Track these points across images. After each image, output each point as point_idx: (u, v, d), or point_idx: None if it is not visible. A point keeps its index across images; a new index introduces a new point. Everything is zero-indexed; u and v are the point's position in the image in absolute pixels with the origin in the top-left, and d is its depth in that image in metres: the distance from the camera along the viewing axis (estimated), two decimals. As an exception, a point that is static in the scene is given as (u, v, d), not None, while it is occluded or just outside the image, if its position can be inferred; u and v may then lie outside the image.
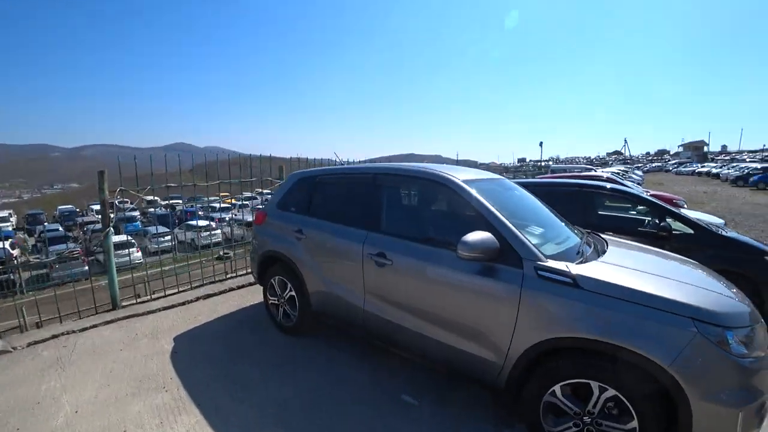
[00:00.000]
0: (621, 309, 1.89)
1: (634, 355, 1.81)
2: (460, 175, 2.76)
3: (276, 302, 3.68)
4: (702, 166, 44.11)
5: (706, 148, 72.74)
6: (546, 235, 2.55)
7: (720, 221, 6.34)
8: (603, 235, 3.14)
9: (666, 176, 41.33)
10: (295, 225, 3.46)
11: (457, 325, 2.40)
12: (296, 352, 3.29)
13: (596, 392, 1.95)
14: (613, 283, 1.98)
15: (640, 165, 60.22)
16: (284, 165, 6.00)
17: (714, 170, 36.59)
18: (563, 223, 2.92)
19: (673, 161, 62.10)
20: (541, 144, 47.17)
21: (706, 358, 1.75)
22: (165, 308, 4.18)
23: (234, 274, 5.28)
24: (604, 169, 22.05)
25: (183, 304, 4.32)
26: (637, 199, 4.96)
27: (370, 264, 2.82)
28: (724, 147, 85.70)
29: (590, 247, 2.63)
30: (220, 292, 4.69)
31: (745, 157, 58.48)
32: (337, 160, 4.79)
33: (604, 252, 2.54)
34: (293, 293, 3.48)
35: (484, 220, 2.39)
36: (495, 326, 2.23)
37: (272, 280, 3.67)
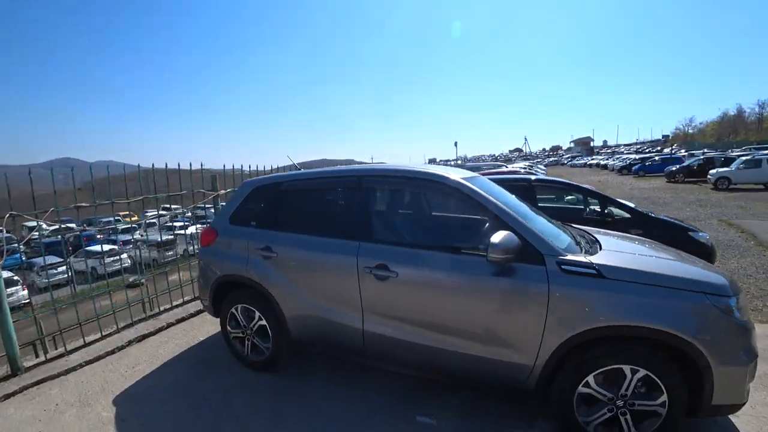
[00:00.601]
0: (643, 293, 1.98)
1: (662, 333, 1.93)
2: (455, 174, 2.61)
3: (241, 335, 3.14)
4: (591, 159, 50.50)
5: (592, 143, 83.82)
6: (543, 230, 2.48)
7: (632, 204, 7.14)
8: (575, 226, 3.23)
9: (563, 169, 46.43)
10: (259, 242, 2.97)
11: (482, 333, 2.28)
12: (280, 392, 2.80)
13: (629, 375, 2.02)
14: (632, 269, 2.07)
15: (539, 160, 66.92)
16: (218, 176, 5.32)
17: (602, 162, 42.09)
18: (544, 218, 2.87)
19: (567, 155, 70.26)
20: (456, 144, 50.12)
21: (719, 326, 1.95)
22: (89, 362, 3.32)
23: (168, 305, 4.46)
24: (512, 165, 23.97)
25: (112, 352, 3.48)
26: (584, 192, 5.35)
27: (368, 278, 2.51)
28: (604, 142, 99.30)
29: (583, 238, 2.67)
30: (157, 331, 3.91)
31: (623, 149, 68.48)
32: (295, 164, 4.27)
33: (598, 242, 2.59)
34: (263, 322, 2.99)
35: (499, 220, 2.29)
36: (524, 327, 2.17)
37: (233, 310, 3.11)
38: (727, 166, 18.34)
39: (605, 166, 38.73)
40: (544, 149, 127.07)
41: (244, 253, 3.03)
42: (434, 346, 2.40)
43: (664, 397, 2.00)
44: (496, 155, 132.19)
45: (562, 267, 2.10)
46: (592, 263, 2.10)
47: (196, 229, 6.22)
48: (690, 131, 67.94)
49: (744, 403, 2.02)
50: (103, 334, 3.75)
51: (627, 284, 2.01)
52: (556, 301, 2.07)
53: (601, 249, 2.41)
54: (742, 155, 19.66)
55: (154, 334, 3.87)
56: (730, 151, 30.23)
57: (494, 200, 2.37)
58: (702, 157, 23.25)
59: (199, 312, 4.34)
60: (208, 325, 4.03)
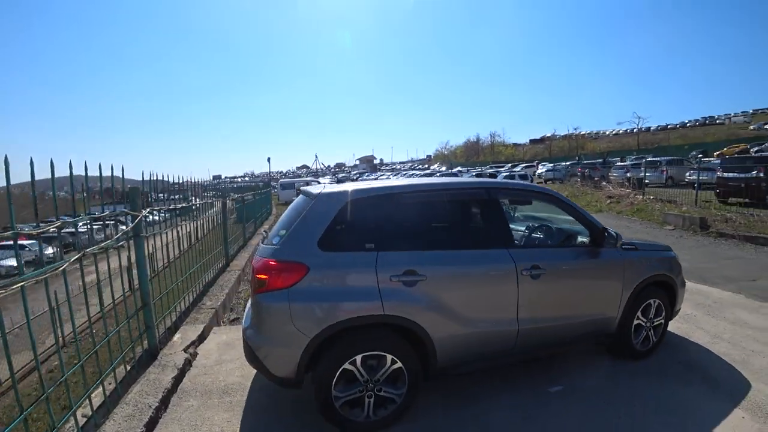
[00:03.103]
0: (653, 256, 3.47)
1: (666, 276, 3.42)
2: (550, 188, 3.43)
3: (358, 394, 2.46)
4: (382, 174, 58.09)
5: (375, 161, 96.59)
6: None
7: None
8: None
9: (358, 184, 51.60)
10: (395, 266, 2.47)
11: (593, 301, 3.11)
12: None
13: (654, 304, 3.39)
14: (645, 242, 3.66)
15: (328, 175, 72.42)
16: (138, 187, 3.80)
17: (392, 176, 49.15)
18: None
19: (355, 171, 78.38)
20: (269, 159, 49.49)
21: (677, 268, 3.59)
22: None
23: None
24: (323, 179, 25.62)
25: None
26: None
27: (525, 280, 2.73)
28: (381, 160, 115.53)
29: None
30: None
31: (399, 167, 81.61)
32: (320, 166, 3.54)
33: None
34: (397, 365, 2.48)
35: (586, 219, 3.15)
36: (614, 289, 3.15)
37: (347, 366, 2.42)
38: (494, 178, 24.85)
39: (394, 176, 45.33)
40: (329, 166, 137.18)
41: (371, 285, 2.43)
42: (563, 324, 2.98)
43: (662, 319, 3.46)
44: (284, 171, 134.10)
45: (623, 246, 3.18)
46: (631, 241, 3.35)
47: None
48: (445, 152, 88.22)
49: (679, 309, 3.72)
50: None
51: (646, 251, 3.41)
52: (626, 268, 3.17)
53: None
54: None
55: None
56: (477, 168, 40.91)
57: (577, 205, 3.21)
58: (474, 173, 30.57)
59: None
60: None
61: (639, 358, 3.37)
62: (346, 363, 2.40)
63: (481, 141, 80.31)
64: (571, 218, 3.20)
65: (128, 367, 3.15)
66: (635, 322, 3.28)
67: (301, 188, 3.16)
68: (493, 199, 2.91)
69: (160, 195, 4.82)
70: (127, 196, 3.43)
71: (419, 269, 2.50)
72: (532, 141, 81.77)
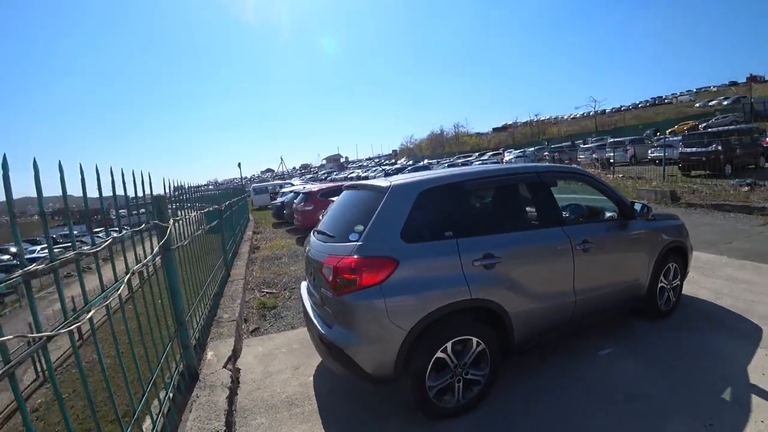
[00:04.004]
0: (669, 224, 3.87)
1: (680, 242, 3.86)
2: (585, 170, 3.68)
3: (450, 380, 2.60)
4: (352, 173, 57.87)
5: (342, 160, 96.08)
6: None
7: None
8: None
9: (329, 183, 51.28)
10: (474, 252, 2.61)
11: (627, 268, 3.45)
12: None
13: (672, 267, 3.82)
14: (660, 213, 3.94)
15: (295, 177, 71.53)
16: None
17: (362, 174, 49.09)
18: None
19: (322, 171, 77.71)
20: (239, 165, 48.87)
21: (686, 233, 4.03)
22: None
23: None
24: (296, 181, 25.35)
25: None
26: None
27: (578, 253, 3.01)
28: (346, 158, 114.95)
29: None
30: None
31: (365, 163, 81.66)
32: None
33: None
34: (481, 347, 2.63)
35: (615, 196, 3.47)
36: (643, 256, 3.54)
37: (439, 354, 2.53)
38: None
39: (366, 178, 45.42)
40: (294, 168, 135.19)
41: (456, 272, 2.55)
42: (608, 291, 3.30)
43: (678, 278, 3.91)
44: (249, 177, 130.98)
45: (650, 216, 3.60)
46: (652, 211, 3.66)
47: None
48: (411, 146, 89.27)
49: (689, 271, 4.19)
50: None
51: (664, 221, 3.82)
52: (652, 237, 3.60)
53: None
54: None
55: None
56: (444, 159, 41.61)
57: (608, 184, 3.55)
58: (446, 164, 31.05)
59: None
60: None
61: (664, 317, 3.81)
62: (438, 351, 2.50)
63: (446, 132, 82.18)
64: (596, 196, 3.51)
65: (171, 394, 2.88)
66: (659, 285, 3.69)
67: (355, 183, 3.33)
68: (543, 181, 3.17)
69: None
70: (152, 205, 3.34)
71: (495, 252, 2.67)
72: (495, 129, 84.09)
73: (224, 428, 2.65)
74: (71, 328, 1.69)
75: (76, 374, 4.40)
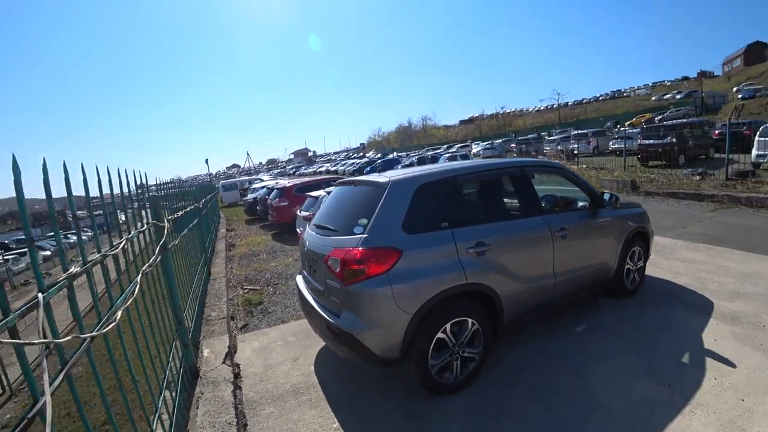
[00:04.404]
0: (633, 211, 4.26)
1: (643, 227, 4.26)
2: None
3: (449, 358, 2.87)
4: (321, 167, 57.47)
5: (310, 154, 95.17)
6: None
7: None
8: None
9: (298, 177, 50.75)
10: (468, 240, 2.90)
11: (599, 252, 3.80)
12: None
13: (637, 251, 4.22)
14: (626, 202, 4.32)
15: (262, 172, 70.30)
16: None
17: (331, 168, 48.85)
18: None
19: (291, 166, 76.70)
20: (207, 161, 47.92)
21: (647, 219, 4.42)
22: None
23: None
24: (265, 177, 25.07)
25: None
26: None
27: (557, 240, 3.33)
28: (314, 152, 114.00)
29: None
30: None
31: (333, 156, 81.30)
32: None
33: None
34: (476, 327, 2.93)
35: (588, 188, 3.84)
36: (612, 241, 3.91)
37: (440, 335, 2.79)
38: (435, 162, 25.88)
39: (336, 172, 45.24)
40: (261, 163, 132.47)
41: (453, 259, 2.82)
42: (583, 273, 3.64)
43: (642, 260, 4.30)
44: (214, 173, 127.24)
45: (617, 206, 3.96)
46: (620, 201, 4.02)
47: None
48: (379, 139, 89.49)
49: (650, 254, 4.60)
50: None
51: (629, 209, 4.20)
52: (620, 223, 3.97)
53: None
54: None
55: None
56: (413, 151, 42.14)
57: (579, 176, 3.91)
58: (415, 157, 31.43)
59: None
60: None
61: (630, 296, 4.24)
62: (439, 332, 2.76)
63: (413, 125, 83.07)
64: (567, 187, 3.88)
65: (174, 393, 2.88)
66: (626, 266, 4.10)
67: (353, 179, 3.56)
68: (525, 174, 3.48)
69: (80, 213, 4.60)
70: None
71: (486, 239, 2.97)
72: (462, 122, 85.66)
73: (235, 420, 2.77)
74: (107, 329, 1.80)
75: (85, 377, 4.37)
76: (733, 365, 2.85)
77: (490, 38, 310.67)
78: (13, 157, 1.38)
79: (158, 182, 4.51)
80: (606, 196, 3.90)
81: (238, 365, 3.76)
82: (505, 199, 3.57)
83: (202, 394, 3.08)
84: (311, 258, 3.26)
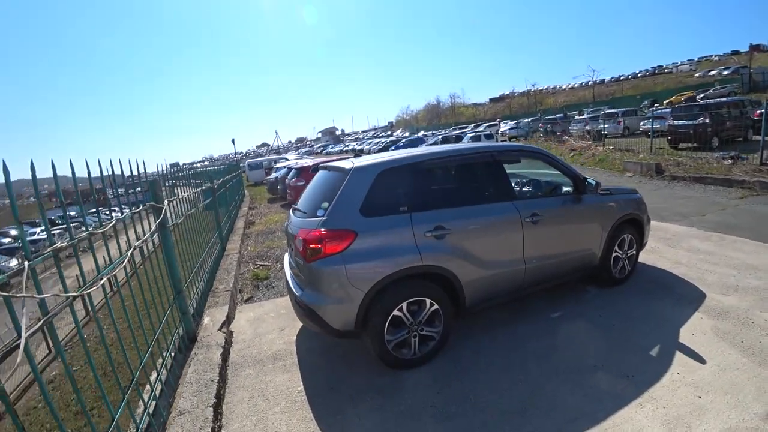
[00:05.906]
0: (623, 198, 4.09)
1: (635, 214, 4.11)
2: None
3: (405, 335, 3.01)
4: (347, 146, 57.61)
5: (337, 132, 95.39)
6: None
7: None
8: None
9: (324, 156, 51.23)
10: (426, 224, 2.97)
11: (579, 239, 3.74)
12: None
13: (627, 239, 4.10)
14: (616, 187, 4.25)
15: (291, 151, 71.22)
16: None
17: (357, 147, 48.86)
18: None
19: (318, 145, 77.23)
20: (233, 141, 48.86)
21: (643, 207, 4.26)
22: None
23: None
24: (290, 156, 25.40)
25: None
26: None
27: (528, 225, 3.31)
28: (342, 130, 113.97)
29: None
30: None
31: (361, 135, 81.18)
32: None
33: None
34: (435, 307, 3.03)
35: (570, 172, 3.73)
36: (596, 228, 3.82)
37: (395, 312, 2.92)
38: (459, 141, 25.46)
39: (361, 151, 45.25)
40: (290, 141, 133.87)
41: (409, 242, 2.91)
42: (559, 260, 3.61)
43: (634, 248, 4.19)
44: (244, 152, 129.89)
45: (600, 191, 3.85)
46: (606, 187, 3.94)
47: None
48: (407, 117, 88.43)
49: (647, 242, 4.48)
50: None
51: (618, 195, 4.03)
52: (604, 210, 3.87)
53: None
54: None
55: None
56: (440, 130, 41.47)
57: (562, 160, 3.77)
58: (440, 136, 31.01)
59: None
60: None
61: (618, 284, 4.14)
62: (395, 310, 2.90)
63: (442, 103, 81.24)
64: (554, 172, 3.80)
65: (172, 353, 3.31)
66: (613, 254, 3.99)
67: (327, 164, 3.64)
68: (496, 159, 3.46)
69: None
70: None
71: (445, 224, 3.03)
72: (492, 100, 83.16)
73: (218, 378, 3.11)
74: (94, 288, 2.08)
75: (89, 339, 4.81)
76: (702, 361, 2.79)
77: (524, 11, 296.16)
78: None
79: (170, 165, 4.73)
80: (591, 181, 3.80)
81: (231, 332, 4.08)
82: (472, 185, 3.52)
83: (195, 355, 3.42)
84: (289, 238, 3.51)
